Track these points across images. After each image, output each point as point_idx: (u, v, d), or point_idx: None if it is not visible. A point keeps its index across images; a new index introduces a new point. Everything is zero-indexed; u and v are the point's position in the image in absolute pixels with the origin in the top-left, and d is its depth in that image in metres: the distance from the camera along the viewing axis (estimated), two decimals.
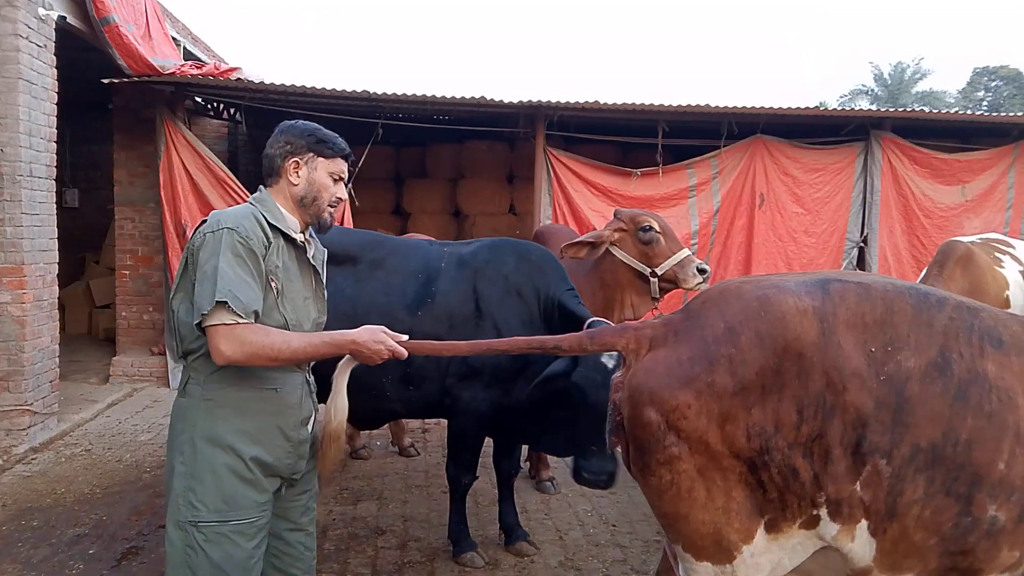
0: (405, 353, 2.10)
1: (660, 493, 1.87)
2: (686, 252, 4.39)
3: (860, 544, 1.80)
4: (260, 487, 2.06)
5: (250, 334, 1.92)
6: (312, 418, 2.24)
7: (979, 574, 1.81)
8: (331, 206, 2.17)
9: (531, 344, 2.19)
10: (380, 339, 2.06)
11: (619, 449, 2.04)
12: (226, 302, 1.88)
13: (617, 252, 4.41)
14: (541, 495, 4.70)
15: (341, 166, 2.18)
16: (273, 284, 2.02)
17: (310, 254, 2.21)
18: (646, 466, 1.88)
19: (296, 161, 2.13)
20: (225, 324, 1.90)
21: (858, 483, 1.75)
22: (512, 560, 3.77)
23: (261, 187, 2.19)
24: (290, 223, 2.13)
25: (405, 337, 2.12)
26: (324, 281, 2.29)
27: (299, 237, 2.14)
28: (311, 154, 2.13)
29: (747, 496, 1.81)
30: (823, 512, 1.79)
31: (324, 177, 2.15)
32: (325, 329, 2.23)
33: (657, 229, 4.37)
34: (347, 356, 2.12)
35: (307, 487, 2.28)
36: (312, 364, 2.23)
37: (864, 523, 1.78)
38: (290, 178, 2.13)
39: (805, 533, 1.83)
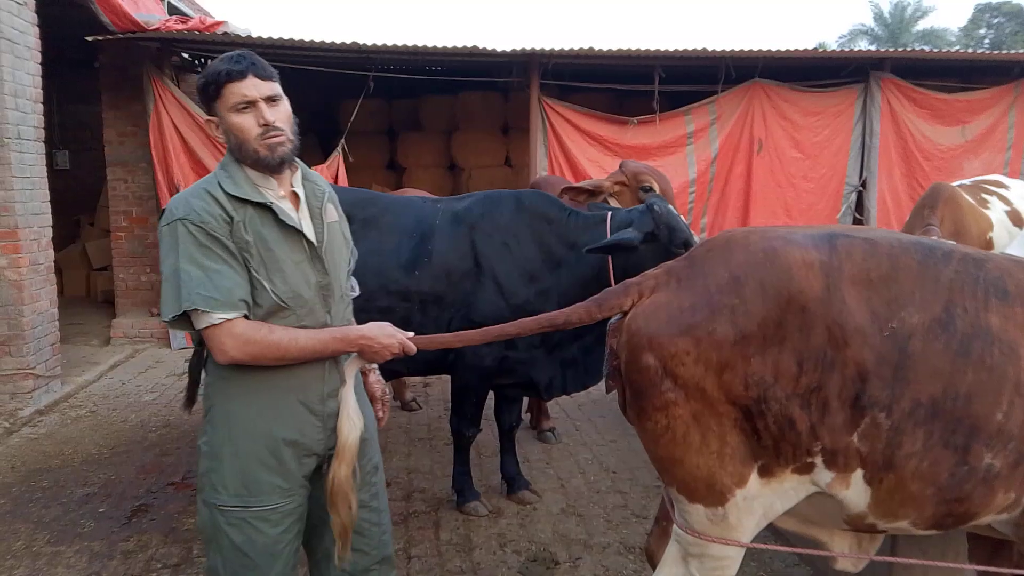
0: (415, 348, 1.96)
1: (655, 437, 1.88)
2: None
3: (855, 492, 1.82)
4: (285, 472, 1.90)
5: (252, 331, 1.78)
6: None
7: (975, 517, 1.83)
8: (264, 138, 1.82)
9: (540, 323, 2.12)
10: (390, 333, 1.92)
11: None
12: (196, 308, 1.74)
13: (614, 204, 4.40)
14: (542, 445, 4.77)
15: (239, 91, 1.80)
16: (249, 262, 1.81)
17: (293, 210, 1.92)
18: (642, 410, 1.90)
19: (211, 121, 1.88)
20: (215, 324, 1.76)
21: (855, 435, 1.76)
22: (515, 508, 3.85)
23: (228, 149, 1.92)
24: (263, 183, 1.87)
25: (411, 334, 1.98)
26: (327, 227, 1.97)
27: (267, 198, 1.85)
28: (211, 102, 1.84)
29: (742, 442, 1.82)
30: (818, 460, 1.80)
31: (230, 117, 1.82)
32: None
33: (656, 191, 4.35)
34: (353, 356, 1.94)
35: (359, 461, 2.02)
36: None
37: (860, 472, 1.80)
38: (221, 140, 1.89)
39: (799, 478, 1.85)
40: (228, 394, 1.90)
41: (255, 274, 1.82)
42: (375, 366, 2.16)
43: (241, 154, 1.85)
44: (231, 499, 1.88)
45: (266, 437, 1.89)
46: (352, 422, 1.89)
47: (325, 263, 1.94)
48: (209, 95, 1.84)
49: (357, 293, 2.22)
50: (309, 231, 1.93)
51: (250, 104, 1.82)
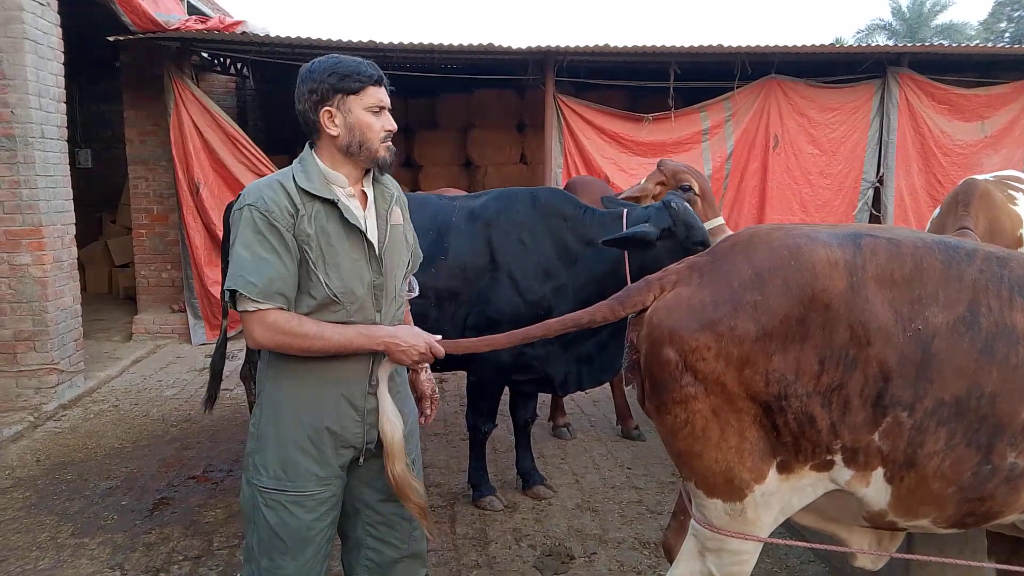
0: (443, 351, 2.00)
1: (674, 431, 1.89)
2: (719, 220, 4.38)
3: (875, 490, 1.82)
4: (323, 460, 1.97)
5: (283, 322, 1.86)
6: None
7: (997, 516, 1.83)
8: (384, 142, 1.97)
9: (565, 324, 2.11)
10: (418, 334, 1.97)
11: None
12: (236, 290, 1.83)
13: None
14: (557, 441, 4.78)
15: (377, 95, 1.95)
16: (308, 254, 1.88)
17: (360, 209, 1.99)
18: (661, 404, 1.90)
19: (329, 110, 1.92)
20: (249, 311, 1.85)
21: (877, 433, 1.76)
22: (530, 503, 3.87)
23: (307, 144, 2.01)
24: (335, 180, 1.95)
25: (439, 337, 2.02)
26: (391, 228, 2.05)
27: (340, 194, 1.94)
28: (340, 95, 1.91)
29: (761, 437, 1.83)
30: (837, 458, 1.81)
31: (362, 115, 1.93)
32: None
33: (696, 191, 4.36)
34: (384, 359, 1.98)
35: None
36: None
37: (880, 470, 1.80)
38: (329, 131, 1.93)
39: (817, 475, 1.85)
40: (277, 382, 1.98)
41: (312, 267, 1.89)
42: (427, 365, 2.21)
43: (359, 150, 1.95)
44: (270, 481, 1.96)
45: (308, 425, 1.96)
46: (392, 422, 1.95)
47: (382, 264, 2.00)
48: (345, 88, 1.92)
49: (416, 294, 2.29)
50: (372, 231, 2.00)
51: (381, 110, 1.97)
